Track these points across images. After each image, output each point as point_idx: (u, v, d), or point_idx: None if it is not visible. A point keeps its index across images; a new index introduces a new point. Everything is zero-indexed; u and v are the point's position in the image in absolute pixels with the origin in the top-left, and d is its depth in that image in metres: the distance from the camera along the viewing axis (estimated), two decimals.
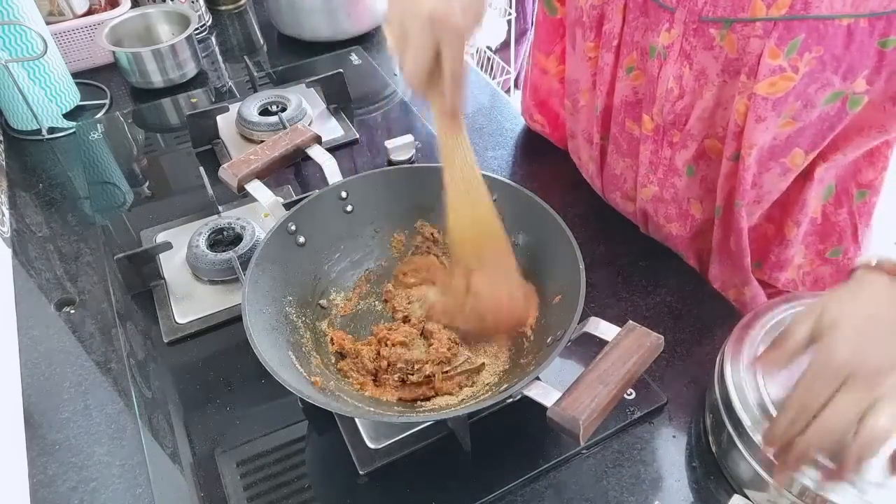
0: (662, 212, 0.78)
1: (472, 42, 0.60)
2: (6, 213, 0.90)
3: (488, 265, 0.64)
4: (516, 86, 2.37)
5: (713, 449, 0.61)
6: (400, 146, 0.94)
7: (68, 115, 1.07)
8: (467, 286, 0.64)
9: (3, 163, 0.99)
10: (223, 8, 1.37)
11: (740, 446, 0.56)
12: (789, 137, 0.64)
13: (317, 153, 0.74)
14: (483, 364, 0.65)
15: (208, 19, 1.31)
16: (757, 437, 0.54)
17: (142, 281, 0.78)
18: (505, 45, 2.25)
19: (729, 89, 0.64)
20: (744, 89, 0.62)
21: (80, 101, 1.11)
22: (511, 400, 0.55)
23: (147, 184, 0.95)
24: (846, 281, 0.54)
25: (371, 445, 0.61)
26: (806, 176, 0.69)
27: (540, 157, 0.99)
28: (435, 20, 0.52)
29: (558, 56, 0.88)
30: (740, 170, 0.66)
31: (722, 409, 0.58)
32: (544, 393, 0.50)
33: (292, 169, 0.93)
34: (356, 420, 0.63)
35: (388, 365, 0.64)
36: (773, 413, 0.55)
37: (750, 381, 0.57)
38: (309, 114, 1.03)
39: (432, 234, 0.75)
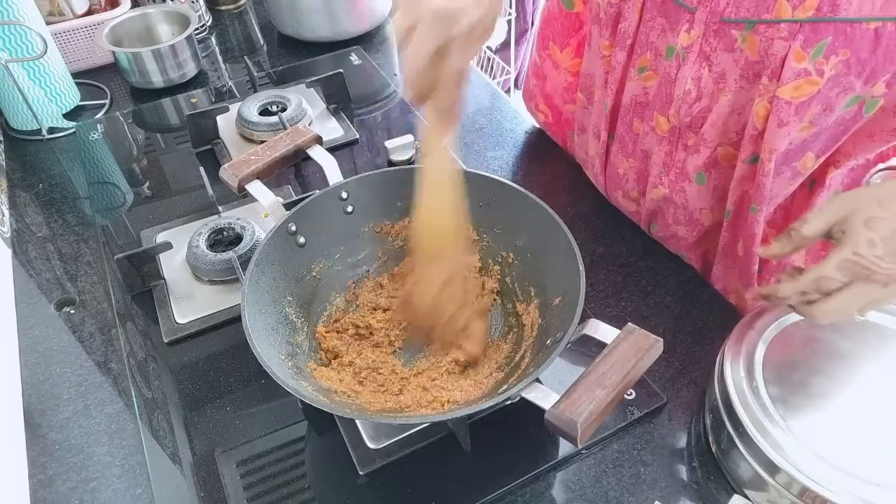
0: (671, 213, 0.77)
1: (482, 45, 0.60)
2: (6, 213, 0.90)
3: (443, 263, 0.65)
4: (516, 86, 2.37)
5: (713, 449, 0.61)
6: (400, 146, 0.94)
7: (68, 115, 1.07)
8: (416, 277, 0.66)
9: (3, 163, 0.99)
10: (223, 8, 1.37)
11: (740, 446, 0.56)
12: (804, 142, 0.63)
13: (317, 153, 0.74)
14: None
15: (208, 19, 1.31)
16: (757, 437, 0.54)
17: (142, 281, 0.78)
18: (505, 45, 2.25)
19: (746, 94, 0.63)
20: (765, 92, 0.60)
21: (80, 101, 1.11)
22: (510, 402, 0.55)
23: (147, 184, 0.95)
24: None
25: (371, 445, 0.61)
26: (816, 182, 0.69)
27: (540, 157, 0.99)
28: (446, 16, 0.50)
29: (574, 49, 0.88)
30: (759, 175, 0.65)
31: (722, 409, 0.58)
32: (543, 395, 0.50)
33: (292, 169, 0.93)
34: (356, 420, 0.63)
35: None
36: (773, 413, 0.55)
37: (750, 381, 0.58)
38: (309, 114, 1.03)
39: None
